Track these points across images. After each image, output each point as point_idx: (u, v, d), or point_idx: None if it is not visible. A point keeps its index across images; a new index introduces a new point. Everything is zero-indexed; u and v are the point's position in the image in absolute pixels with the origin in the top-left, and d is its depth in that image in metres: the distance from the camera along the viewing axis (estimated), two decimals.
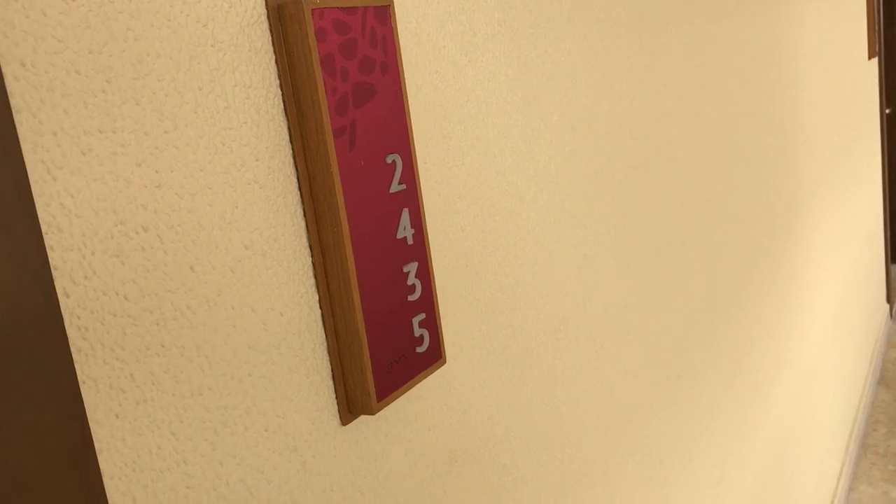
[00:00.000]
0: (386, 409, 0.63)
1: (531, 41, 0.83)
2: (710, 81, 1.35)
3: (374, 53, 0.58)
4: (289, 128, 0.54)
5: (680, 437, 1.25)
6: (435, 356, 0.64)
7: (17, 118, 0.38)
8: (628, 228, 1.05)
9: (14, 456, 0.36)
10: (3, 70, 0.38)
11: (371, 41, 0.58)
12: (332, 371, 0.58)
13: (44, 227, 0.40)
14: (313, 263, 0.56)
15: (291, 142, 0.54)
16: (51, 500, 0.37)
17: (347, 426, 0.59)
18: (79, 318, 0.41)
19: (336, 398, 0.58)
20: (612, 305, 1.01)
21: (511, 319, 0.80)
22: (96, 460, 0.40)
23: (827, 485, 2.47)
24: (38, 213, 0.39)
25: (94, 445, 0.40)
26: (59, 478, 0.38)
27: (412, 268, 0.62)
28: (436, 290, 0.64)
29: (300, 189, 0.55)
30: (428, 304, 0.63)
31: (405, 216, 0.61)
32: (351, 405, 0.59)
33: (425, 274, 0.63)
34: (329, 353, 0.57)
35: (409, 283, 0.61)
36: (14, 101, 0.38)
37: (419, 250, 0.62)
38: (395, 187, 0.60)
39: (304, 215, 0.55)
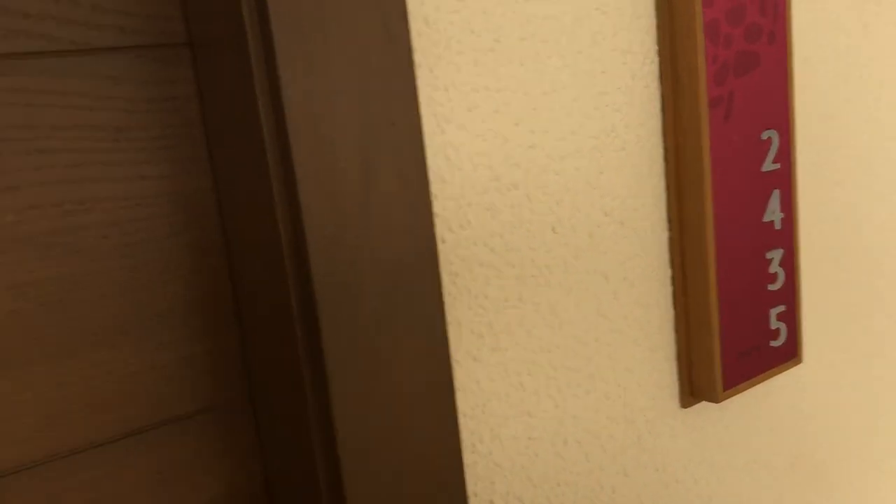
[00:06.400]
0: (729, 399, 0.59)
1: None
2: None
3: (762, 21, 0.54)
4: (661, 95, 0.52)
5: None
6: (790, 353, 0.59)
7: (416, 72, 0.42)
8: None
9: (396, 378, 0.40)
10: (410, 26, 0.41)
11: (761, 8, 0.54)
12: (677, 350, 0.56)
13: (430, 177, 0.43)
14: (670, 238, 0.54)
15: (662, 110, 0.53)
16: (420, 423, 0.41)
17: (687, 409, 0.57)
18: (451, 263, 0.44)
19: (679, 379, 0.56)
20: None
21: (882, 326, 0.71)
22: (454, 396, 0.42)
23: None
24: (428, 162, 0.42)
25: (453, 383, 0.43)
26: (426, 406, 0.41)
27: (776, 255, 0.57)
28: (800, 282, 0.59)
29: (665, 160, 0.53)
30: (789, 295, 0.58)
31: (775, 198, 0.56)
32: (693, 389, 0.56)
33: (790, 263, 0.58)
34: (676, 331, 0.55)
35: (771, 270, 0.57)
36: (416, 57, 0.42)
37: (786, 237, 0.58)
38: (767, 166, 0.56)
39: (667, 188, 0.54)
